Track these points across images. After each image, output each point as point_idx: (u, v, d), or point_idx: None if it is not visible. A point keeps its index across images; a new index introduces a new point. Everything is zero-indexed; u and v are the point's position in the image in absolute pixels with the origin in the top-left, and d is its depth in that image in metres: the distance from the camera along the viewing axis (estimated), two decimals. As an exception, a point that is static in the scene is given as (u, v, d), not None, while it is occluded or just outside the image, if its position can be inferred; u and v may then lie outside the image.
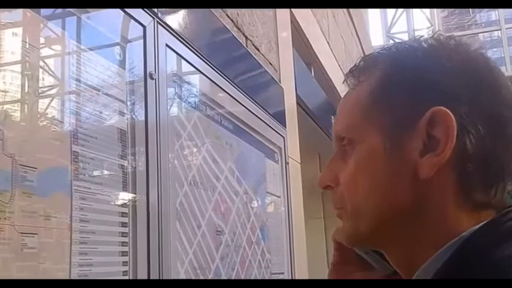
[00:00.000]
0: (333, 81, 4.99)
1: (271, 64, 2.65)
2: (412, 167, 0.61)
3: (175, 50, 1.63)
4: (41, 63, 1.11)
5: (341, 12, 6.15)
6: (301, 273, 2.64)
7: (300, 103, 3.49)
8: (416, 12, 20.66)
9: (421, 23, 21.78)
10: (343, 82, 0.73)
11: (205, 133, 1.74)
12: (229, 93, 1.96)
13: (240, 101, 2.05)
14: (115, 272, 1.24)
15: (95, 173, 1.22)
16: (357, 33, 7.57)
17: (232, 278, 1.82)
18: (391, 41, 20.13)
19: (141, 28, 1.47)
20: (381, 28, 19.65)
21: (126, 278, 1.27)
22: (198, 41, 1.77)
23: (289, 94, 2.95)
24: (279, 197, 2.47)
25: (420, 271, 0.62)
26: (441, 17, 20.85)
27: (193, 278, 1.57)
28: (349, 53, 6.60)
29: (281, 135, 2.56)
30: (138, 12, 1.45)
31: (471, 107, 0.61)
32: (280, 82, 2.77)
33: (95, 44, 1.29)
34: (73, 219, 1.11)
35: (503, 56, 18.37)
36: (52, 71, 1.15)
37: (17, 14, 1.06)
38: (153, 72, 1.48)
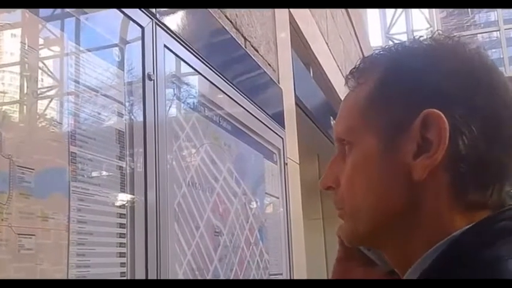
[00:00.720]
0: (332, 81, 4.99)
1: (269, 65, 2.65)
2: (406, 169, 0.62)
3: (174, 51, 1.63)
4: (40, 65, 1.11)
5: (340, 13, 6.16)
6: (300, 274, 2.63)
7: (298, 104, 3.49)
8: (416, 13, 20.66)
9: (420, 24, 21.78)
10: (345, 84, 0.73)
11: (203, 134, 1.74)
12: (228, 94, 1.96)
13: (238, 102, 2.05)
14: (113, 273, 1.24)
15: (93, 174, 1.22)
16: (355, 34, 7.57)
17: (232, 278, 1.82)
18: (390, 42, 20.13)
19: (140, 29, 1.47)
20: (380, 29, 19.65)
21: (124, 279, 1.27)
22: (196, 42, 1.77)
23: (288, 95, 2.95)
24: (277, 197, 2.47)
25: (411, 270, 0.63)
26: (440, 17, 20.86)
27: (191, 279, 1.57)
28: (348, 53, 6.60)
29: (280, 136, 2.56)
30: (136, 14, 1.45)
31: (466, 108, 0.61)
32: (279, 83, 2.77)
33: (94, 45, 1.29)
34: (71, 220, 1.11)
35: (502, 56, 18.38)
36: (50, 72, 1.15)
37: (16, 15, 1.06)
38: (152, 73, 1.48)
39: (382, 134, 0.64)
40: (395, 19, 20.58)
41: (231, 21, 2.18)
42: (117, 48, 1.38)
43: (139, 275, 1.31)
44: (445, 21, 23.10)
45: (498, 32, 18.46)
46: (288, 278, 2.42)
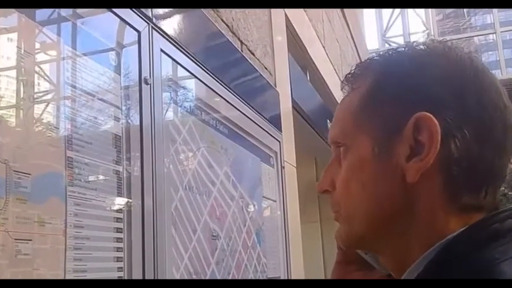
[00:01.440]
0: (329, 85, 5.00)
1: (266, 68, 2.66)
2: (399, 171, 0.63)
3: (170, 55, 1.63)
4: (36, 69, 1.11)
5: (336, 16, 6.17)
6: (298, 277, 2.63)
7: (295, 107, 3.50)
8: (412, 16, 20.70)
9: (417, 27, 21.82)
10: (341, 89, 0.75)
11: (200, 138, 1.74)
12: (225, 97, 1.96)
13: (235, 105, 2.05)
14: (110, 277, 1.24)
15: (90, 178, 1.22)
16: (352, 37, 7.58)
17: (228, 282, 1.82)
18: (387, 45, 20.19)
19: (136, 33, 1.48)
20: (376, 32, 19.68)
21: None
22: (193, 46, 1.78)
23: (285, 98, 2.95)
24: (274, 201, 2.47)
25: (407, 273, 0.64)
26: (436, 20, 20.91)
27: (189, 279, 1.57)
28: (345, 57, 6.61)
29: (277, 139, 2.56)
30: (132, 18, 1.45)
31: (457, 112, 0.62)
32: (275, 86, 2.77)
33: (90, 49, 1.29)
34: (67, 225, 1.11)
35: (498, 59, 18.41)
36: (47, 77, 1.15)
37: (12, 19, 1.06)
38: (148, 77, 1.48)
39: (375, 137, 0.65)
40: (391, 22, 20.62)
41: (227, 25, 2.18)
42: (113, 52, 1.38)
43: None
44: (441, 24, 23.14)
45: (494, 35, 18.49)
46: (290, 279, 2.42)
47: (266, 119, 2.40)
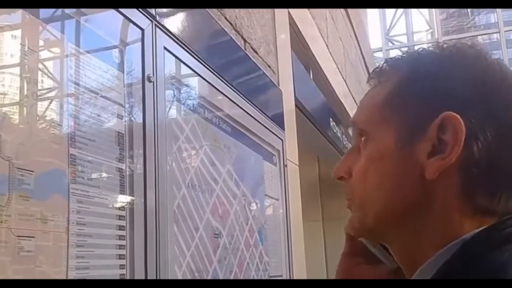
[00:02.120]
0: (332, 83, 4.99)
1: (269, 67, 2.65)
2: (419, 167, 0.64)
3: (174, 53, 1.63)
4: (40, 66, 1.12)
5: (340, 15, 6.16)
6: (300, 276, 2.64)
7: (298, 106, 3.50)
8: (415, 15, 20.68)
9: (420, 26, 21.80)
10: (367, 82, 0.76)
11: (203, 136, 1.74)
12: (228, 96, 1.96)
13: (238, 103, 2.05)
14: (112, 275, 1.24)
15: (93, 175, 1.23)
16: (355, 36, 7.58)
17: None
18: (390, 44, 20.17)
19: (139, 31, 1.48)
20: (380, 31, 19.67)
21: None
22: (196, 44, 1.78)
23: (288, 97, 2.95)
24: (277, 199, 2.47)
25: (420, 271, 0.65)
26: (440, 19, 20.87)
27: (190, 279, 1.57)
28: (348, 55, 6.60)
29: (279, 137, 2.56)
30: (136, 15, 1.45)
31: (483, 115, 0.63)
32: (278, 85, 2.77)
33: (93, 47, 1.29)
34: (70, 222, 1.12)
35: (502, 58, 18.37)
36: (51, 74, 1.15)
37: (16, 16, 1.07)
38: (151, 75, 1.48)
39: (399, 132, 0.66)
40: (395, 21, 20.60)
41: (230, 23, 2.18)
42: (116, 50, 1.38)
43: (139, 277, 1.31)
44: (445, 23, 23.09)
45: (498, 34, 18.45)
46: (289, 277, 2.42)
47: (269, 117, 2.40)
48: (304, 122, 3.93)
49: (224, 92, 1.93)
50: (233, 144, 1.98)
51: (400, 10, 20.22)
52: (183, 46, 1.69)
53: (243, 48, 2.28)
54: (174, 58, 1.65)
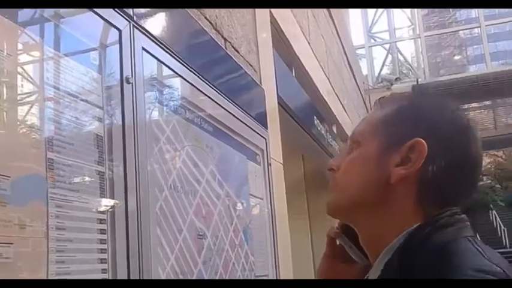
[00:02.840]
0: (314, 81, 5.00)
1: (251, 65, 2.64)
2: (387, 172, 0.88)
3: (153, 53, 1.62)
4: (18, 70, 1.10)
5: (321, 13, 6.17)
6: (286, 274, 2.63)
7: (281, 104, 3.49)
8: (397, 11, 20.78)
9: (402, 22, 21.93)
10: (374, 104, 1.06)
11: (184, 136, 1.73)
12: (209, 95, 1.94)
13: (220, 103, 2.04)
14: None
15: (72, 179, 1.21)
16: (337, 33, 7.59)
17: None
18: (372, 40, 20.24)
19: (117, 32, 1.46)
20: (362, 28, 19.71)
21: (106, 285, 1.26)
22: (175, 44, 1.76)
23: (270, 95, 2.94)
24: (261, 198, 2.46)
25: (383, 254, 0.87)
26: (421, 15, 20.97)
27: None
28: (330, 52, 6.61)
29: (263, 136, 2.55)
30: (113, 17, 1.44)
31: (440, 149, 0.86)
32: (260, 83, 2.76)
33: (71, 49, 1.28)
34: (49, 227, 1.10)
35: (483, 53, 18.50)
36: (30, 78, 1.14)
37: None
38: (130, 76, 1.46)
39: (381, 144, 0.90)
40: (376, 18, 20.68)
41: (210, 22, 2.17)
42: (95, 52, 1.37)
43: (122, 281, 1.30)
44: (427, 19, 23.23)
45: (479, 29, 18.58)
46: (275, 277, 2.41)
47: (252, 116, 2.39)
48: (288, 120, 3.92)
49: (205, 92, 1.92)
50: (216, 144, 1.97)
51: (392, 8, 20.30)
52: (162, 46, 1.68)
53: (223, 48, 2.27)
54: (153, 59, 1.63)
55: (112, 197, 1.33)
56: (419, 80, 15.39)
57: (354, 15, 18.70)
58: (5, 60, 1.06)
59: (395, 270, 0.83)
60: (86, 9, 1.34)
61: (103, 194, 1.30)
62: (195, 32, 2.00)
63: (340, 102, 6.90)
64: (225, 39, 2.32)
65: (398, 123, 0.91)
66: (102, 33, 1.41)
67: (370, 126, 0.95)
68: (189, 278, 1.63)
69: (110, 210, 1.32)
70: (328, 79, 5.97)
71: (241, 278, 2.02)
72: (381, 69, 19.42)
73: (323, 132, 5.38)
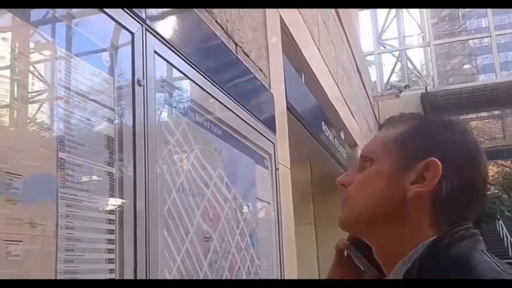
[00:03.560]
0: (323, 87, 5.00)
1: (261, 70, 2.65)
2: (403, 189, 0.92)
3: (164, 56, 1.63)
4: (30, 69, 1.11)
5: (331, 19, 6.18)
6: (290, 276, 2.63)
7: (290, 109, 3.50)
8: (407, 19, 20.76)
9: (412, 30, 21.89)
10: (382, 124, 1.05)
11: (194, 139, 1.74)
12: (219, 99, 1.96)
13: (229, 107, 2.05)
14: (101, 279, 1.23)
15: (82, 179, 1.22)
16: (347, 39, 7.60)
17: (221, 284, 1.82)
18: (382, 48, 20.23)
19: (130, 35, 1.47)
20: (371, 34, 19.71)
21: (113, 285, 1.27)
22: (187, 48, 1.77)
23: (279, 100, 2.95)
24: (268, 203, 2.47)
25: (399, 264, 0.91)
26: (432, 23, 20.95)
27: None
28: (340, 58, 6.62)
29: (271, 141, 2.56)
30: (126, 19, 1.45)
31: (454, 169, 0.91)
32: (270, 88, 2.77)
33: (83, 50, 1.29)
34: (59, 226, 1.11)
35: (493, 62, 18.43)
36: (41, 77, 1.15)
37: (6, 19, 1.06)
38: (141, 78, 1.48)
39: (396, 163, 0.94)
40: (387, 25, 20.66)
41: (221, 27, 2.18)
42: (107, 53, 1.38)
43: (128, 281, 1.31)
44: (436, 27, 23.20)
45: (489, 38, 18.53)
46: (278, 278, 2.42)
47: (260, 120, 2.40)
48: (296, 125, 3.93)
49: (215, 96, 1.93)
50: (224, 148, 1.98)
51: (392, 14, 20.30)
52: (174, 50, 1.69)
53: (234, 52, 2.28)
54: (164, 62, 1.65)
55: (121, 197, 1.34)
56: (428, 88, 15.35)
57: (364, 21, 18.71)
58: (17, 59, 1.07)
59: (414, 278, 0.87)
60: (98, 11, 1.35)
61: (112, 195, 1.31)
62: (206, 35, 2.01)
63: (349, 108, 6.90)
64: (236, 44, 2.33)
65: (412, 142, 0.95)
66: (114, 35, 1.43)
67: (382, 144, 0.99)
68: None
69: (119, 210, 1.33)
70: (337, 85, 5.97)
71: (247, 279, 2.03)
72: (390, 76, 19.40)
73: (331, 137, 5.38)
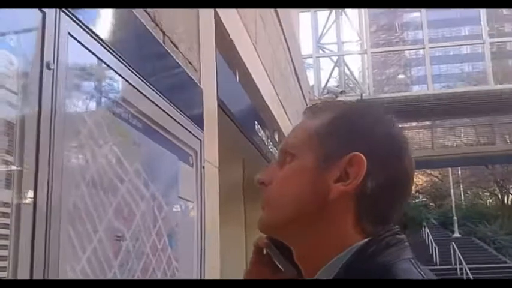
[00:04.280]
0: (259, 86, 4.95)
1: (190, 63, 2.55)
2: (326, 188, 0.85)
3: (80, 40, 1.51)
4: None
5: (270, 18, 6.14)
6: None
7: (222, 107, 3.42)
8: (346, 25, 21.11)
9: (350, 36, 22.29)
10: (303, 113, 0.96)
11: (109, 131, 1.62)
12: (141, 90, 1.84)
13: (152, 99, 1.94)
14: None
15: (-28, 168, 1.10)
16: (286, 41, 7.59)
17: (133, 286, 1.71)
18: (321, 51, 20.47)
19: (41, 14, 1.35)
20: (311, 38, 19.88)
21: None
22: (107, 33, 1.66)
23: (210, 96, 2.86)
24: (192, 202, 2.37)
25: (321, 271, 0.85)
26: (370, 31, 21.39)
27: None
28: (277, 60, 6.59)
29: (198, 137, 2.47)
30: (36, -4, 1.33)
31: (381, 165, 0.84)
32: (200, 83, 2.68)
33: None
34: None
35: (426, 74, 18.98)
36: None
37: None
38: (51, 62, 1.35)
39: (319, 157, 0.86)
40: (326, 29, 20.93)
41: (149, 14, 2.07)
42: (14, 33, 1.26)
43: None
44: (375, 36, 23.72)
45: (423, 50, 19.08)
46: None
47: (187, 116, 2.30)
48: (229, 124, 3.86)
49: (136, 86, 1.82)
50: (144, 142, 1.87)
51: (332, 19, 20.57)
52: (92, 34, 1.57)
53: (161, 42, 2.17)
54: (80, 46, 1.52)
55: (19, 189, 1.22)
56: (363, 95, 15.66)
57: (304, 24, 18.89)
58: None
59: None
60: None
61: (8, 186, 1.19)
62: (130, 21, 1.89)
63: (284, 110, 6.89)
64: (164, 34, 2.22)
65: (334, 134, 0.88)
66: (23, 14, 1.30)
67: (304, 137, 0.91)
68: (103, 281, 1.53)
69: (16, 203, 1.21)
70: (273, 86, 5.94)
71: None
72: (328, 81, 19.66)
73: (264, 138, 5.34)
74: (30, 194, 1.25)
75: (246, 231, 6.55)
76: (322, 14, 20.82)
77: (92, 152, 1.54)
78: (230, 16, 3.71)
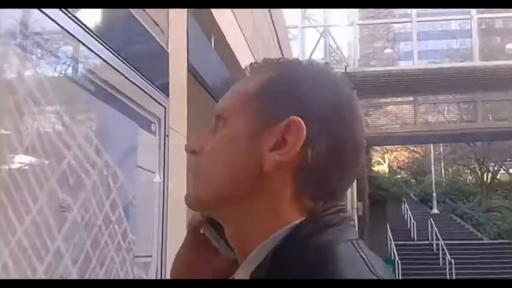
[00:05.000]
0: (237, 56, 4.80)
1: (157, 24, 2.39)
2: (260, 158, 0.75)
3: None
4: None
5: (253, -15, 5.95)
6: (173, 256, 2.44)
7: (194, 74, 3.28)
8: (334, -2, 20.84)
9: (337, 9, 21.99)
10: (244, 69, 0.87)
11: (54, 93, 1.48)
12: (92, 49, 1.69)
13: (107, 60, 1.78)
14: None
15: None
16: (269, 11, 7.41)
17: (81, 260, 1.59)
18: (307, 22, 20.22)
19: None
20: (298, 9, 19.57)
21: None
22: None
23: (178, 61, 2.71)
24: (153, 172, 2.25)
25: (251, 255, 0.75)
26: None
27: (23, 259, 1.34)
28: (259, 29, 6.42)
29: (162, 104, 2.32)
30: None
31: (320, 130, 0.74)
32: (167, 47, 2.53)
33: None
34: None
35: (412, 49, 18.85)
36: None
37: None
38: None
39: (252, 122, 0.77)
40: None
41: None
42: None
43: None
44: (362, 8, 23.44)
45: (410, 24, 18.89)
46: (159, 260, 2.22)
47: (149, 81, 2.15)
48: (203, 93, 3.72)
49: (87, 44, 1.66)
50: (97, 107, 1.73)
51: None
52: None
53: (122, -1, 2.01)
54: None
55: None
56: (347, 68, 15.52)
57: (291, -4, 18.55)
58: None
59: (265, 275, 0.71)
60: None
61: None
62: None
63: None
64: (125, -10, 2.06)
65: (270, 97, 0.78)
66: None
67: (237, 99, 0.81)
68: (43, 255, 1.41)
69: None
70: (253, 56, 5.78)
71: (116, 257, 1.81)
72: (312, 53, 19.43)
73: (241, 109, 5.21)
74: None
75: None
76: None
77: (33, 114, 1.40)
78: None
